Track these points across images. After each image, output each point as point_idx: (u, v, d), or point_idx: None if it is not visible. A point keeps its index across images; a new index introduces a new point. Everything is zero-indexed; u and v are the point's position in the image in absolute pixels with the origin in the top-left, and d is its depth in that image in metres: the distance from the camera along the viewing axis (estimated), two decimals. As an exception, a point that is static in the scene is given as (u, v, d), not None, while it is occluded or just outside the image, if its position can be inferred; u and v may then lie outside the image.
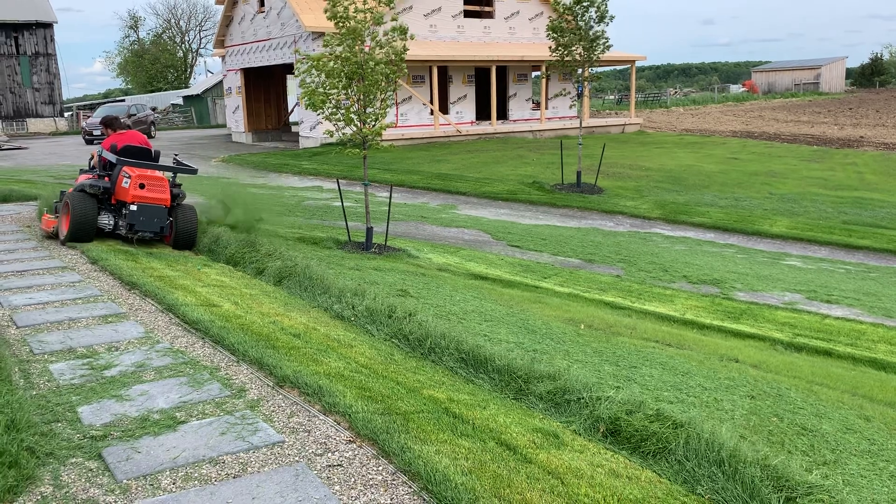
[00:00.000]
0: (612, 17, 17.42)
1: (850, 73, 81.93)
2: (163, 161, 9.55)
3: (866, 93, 68.44)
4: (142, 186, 8.76)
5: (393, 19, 10.04)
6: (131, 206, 8.72)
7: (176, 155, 10.17)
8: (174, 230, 9.06)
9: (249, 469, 3.39)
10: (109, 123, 9.75)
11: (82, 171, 9.85)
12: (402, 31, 10.02)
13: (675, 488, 3.36)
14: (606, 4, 17.35)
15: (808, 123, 38.77)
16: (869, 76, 78.73)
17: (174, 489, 3.21)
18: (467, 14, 29.89)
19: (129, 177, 8.80)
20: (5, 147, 29.15)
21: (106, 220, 8.94)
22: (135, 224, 8.77)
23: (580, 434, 3.90)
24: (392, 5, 10.24)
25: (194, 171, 9.53)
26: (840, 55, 79.43)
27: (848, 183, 19.92)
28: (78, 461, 3.43)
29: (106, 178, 9.02)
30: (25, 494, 3.11)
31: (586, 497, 3.16)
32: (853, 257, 12.87)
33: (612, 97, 64.85)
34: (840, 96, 64.82)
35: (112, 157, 9.08)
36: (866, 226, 14.82)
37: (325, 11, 9.95)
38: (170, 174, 9.29)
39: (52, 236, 9.39)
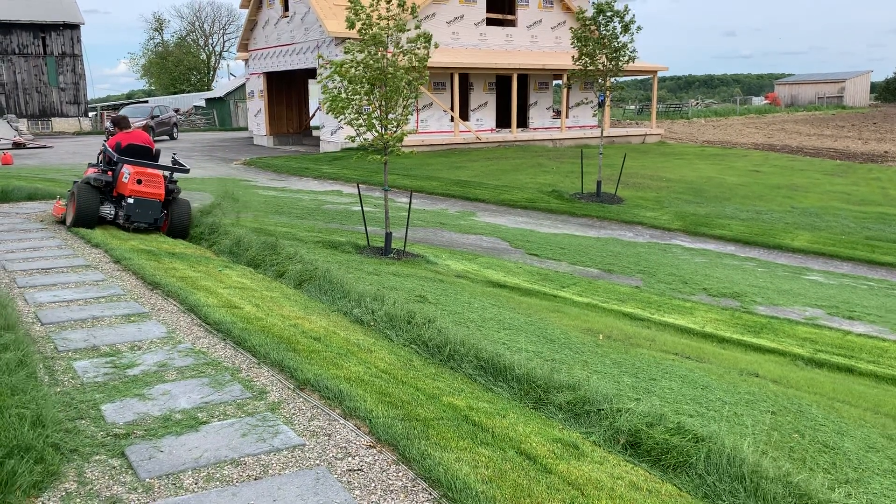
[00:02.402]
0: (639, 28, 17.34)
1: (874, 88, 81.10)
2: (163, 160, 10.59)
3: (891, 107, 67.74)
4: (139, 182, 9.75)
5: (416, 27, 10.07)
6: (128, 199, 9.75)
7: (174, 154, 11.15)
8: (169, 221, 10.08)
9: (270, 471, 3.41)
10: (118, 122, 10.83)
11: (90, 165, 10.96)
12: (427, 40, 10.06)
13: (695, 503, 3.34)
14: (632, 16, 17.30)
15: (831, 137, 38.43)
16: (894, 90, 77.89)
17: (196, 489, 3.23)
18: (490, 22, 29.96)
19: (129, 173, 9.80)
20: (30, 146, 29.54)
21: (108, 210, 10.00)
22: (131, 215, 9.78)
23: (600, 445, 3.88)
24: (416, 15, 10.28)
25: (186, 171, 10.54)
26: (864, 69, 78.70)
27: (872, 198, 19.71)
28: (101, 459, 3.46)
29: (109, 173, 10.04)
30: (50, 490, 3.15)
31: (606, 509, 3.15)
32: (876, 273, 12.72)
33: (632, 107, 64.61)
34: (864, 110, 64.21)
35: (113, 155, 10.07)
36: (890, 242, 14.64)
37: (347, 20, 10.01)
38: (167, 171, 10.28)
39: (61, 222, 10.40)
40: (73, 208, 9.84)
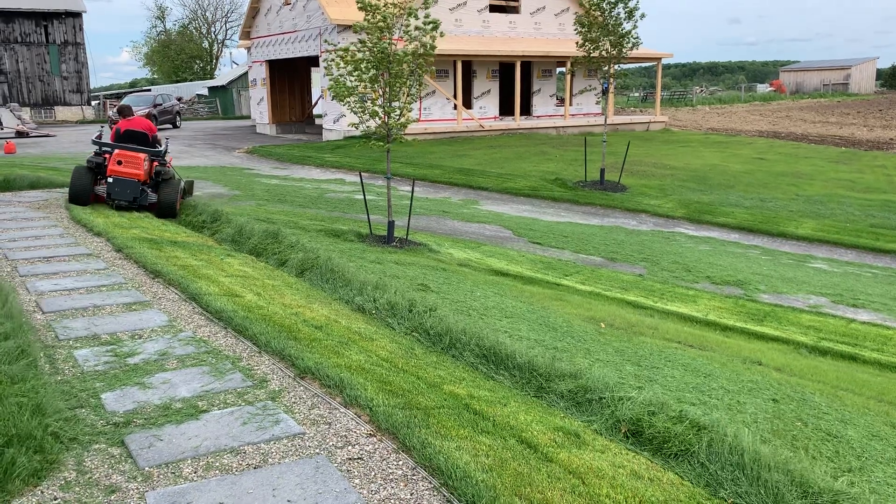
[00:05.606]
0: (643, 15, 17.21)
1: (880, 74, 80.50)
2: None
3: (897, 94, 67.28)
4: (119, 163, 10.52)
5: (426, 16, 9.98)
6: (109, 178, 10.59)
7: (167, 139, 12.32)
8: (158, 201, 10.70)
9: (270, 460, 3.40)
10: (121, 111, 12.06)
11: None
12: (435, 26, 9.97)
13: (697, 491, 3.32)
14: (637, 2, 17.16)
15: (836, 124, 38.22)
16: (900, 77, 77.29)
17: (195, 478, 3.22)
18: (493, 9, 29.80)
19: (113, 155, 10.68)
20: (33, 134, 29.52)
21: (102, 189, 10.81)
22: (111, 193, 10.58)
23: (601, 434, 3.87)
24: (427, 4, 10.19)
25: (159, 154, 11.12)
26: (870, 56, 78.09)
27: (876, 185, 19.60)
28: (101, 447, 3.46)
29: (105, 156, 10.87)
30: (49, 479, 3.14)
31: (608, 498, 3.13)
32: (881, 261, 12.67)
33: (636, 94, 64.28)
34: (870, 97, 63.80)
35: (99, 141, 10.99)
36: (895, 230, 14.57)
37: (357, 2, 9.94)
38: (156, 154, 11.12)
39: None
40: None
